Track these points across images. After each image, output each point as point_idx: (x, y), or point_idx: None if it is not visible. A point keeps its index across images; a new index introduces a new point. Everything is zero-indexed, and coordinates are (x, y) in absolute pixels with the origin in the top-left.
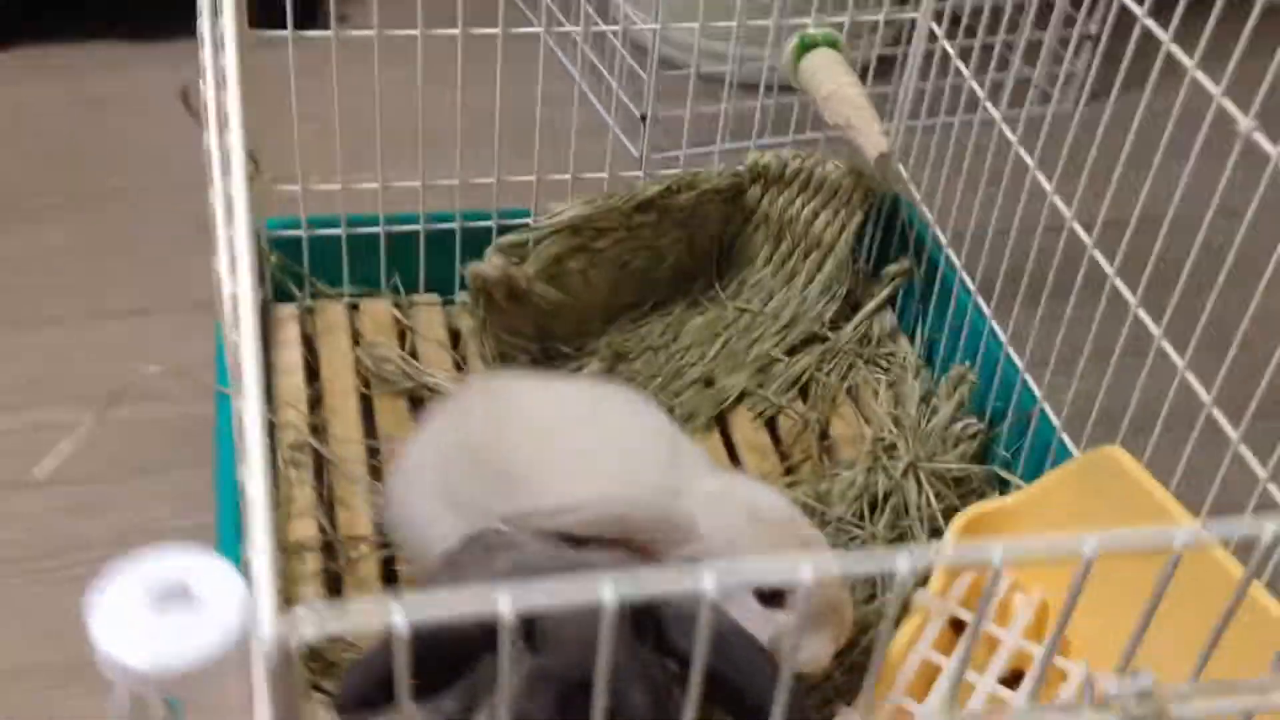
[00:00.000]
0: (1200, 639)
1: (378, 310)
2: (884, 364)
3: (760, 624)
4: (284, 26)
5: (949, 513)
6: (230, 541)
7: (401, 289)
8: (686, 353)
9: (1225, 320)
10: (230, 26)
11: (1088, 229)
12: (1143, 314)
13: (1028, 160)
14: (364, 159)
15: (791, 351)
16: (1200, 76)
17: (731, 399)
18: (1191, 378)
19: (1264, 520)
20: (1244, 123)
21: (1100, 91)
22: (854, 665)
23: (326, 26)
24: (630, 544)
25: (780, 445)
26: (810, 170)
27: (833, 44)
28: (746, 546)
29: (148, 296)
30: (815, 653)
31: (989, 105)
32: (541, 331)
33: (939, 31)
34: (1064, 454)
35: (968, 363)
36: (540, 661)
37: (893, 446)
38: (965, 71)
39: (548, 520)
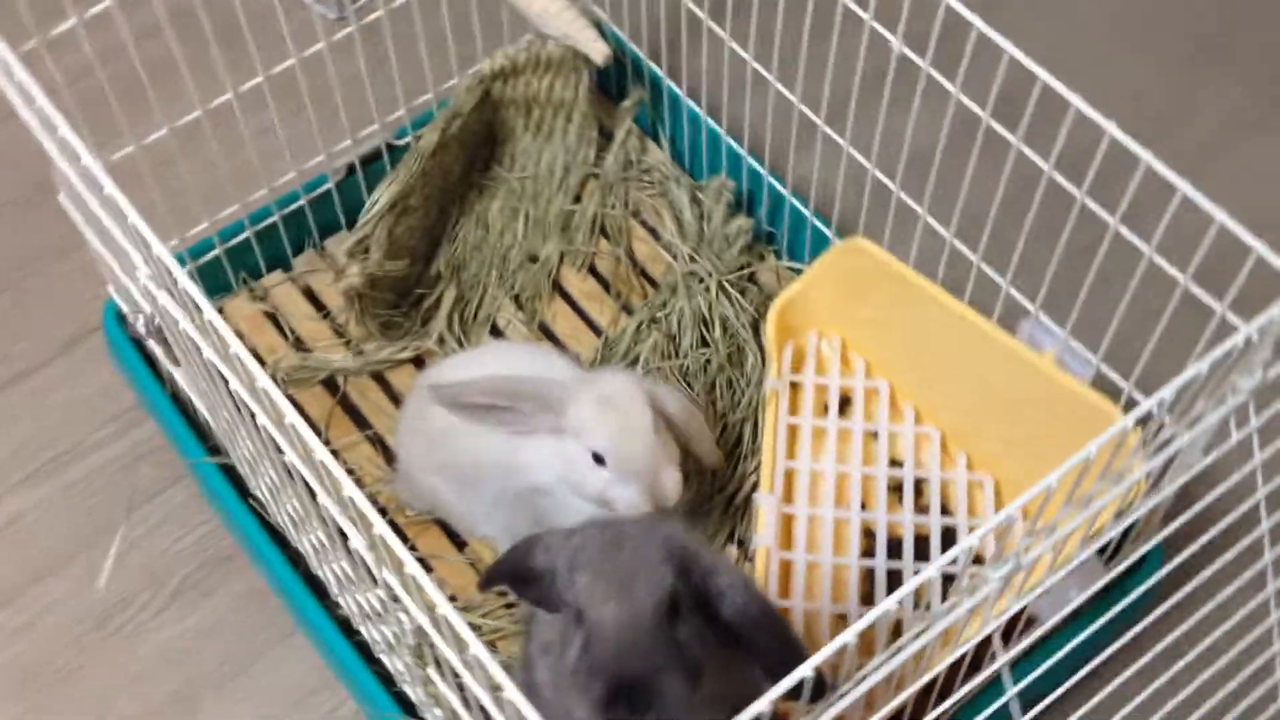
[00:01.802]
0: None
1: (242, 310)
2: (650, 180)
3: (593, 479)
4: None
5: (761, 307)
6: None
7: (249, 282)
8: (501, 238)
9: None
10: None
11: None
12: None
13: None
14: None
15: (577, 199)
16: None
17: (555, 265)
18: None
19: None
20: None
21: None
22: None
23: None
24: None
25: (609, 288)
26: (535, 54)
27: None
28: (595, 421)
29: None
30: (628, 499)
31: None
32: (400, 287)
33: None
34: (818, 234)
35: (721, 172)
36: (588, 656)
37: (693, 263)
38: None
39: (454, 392)
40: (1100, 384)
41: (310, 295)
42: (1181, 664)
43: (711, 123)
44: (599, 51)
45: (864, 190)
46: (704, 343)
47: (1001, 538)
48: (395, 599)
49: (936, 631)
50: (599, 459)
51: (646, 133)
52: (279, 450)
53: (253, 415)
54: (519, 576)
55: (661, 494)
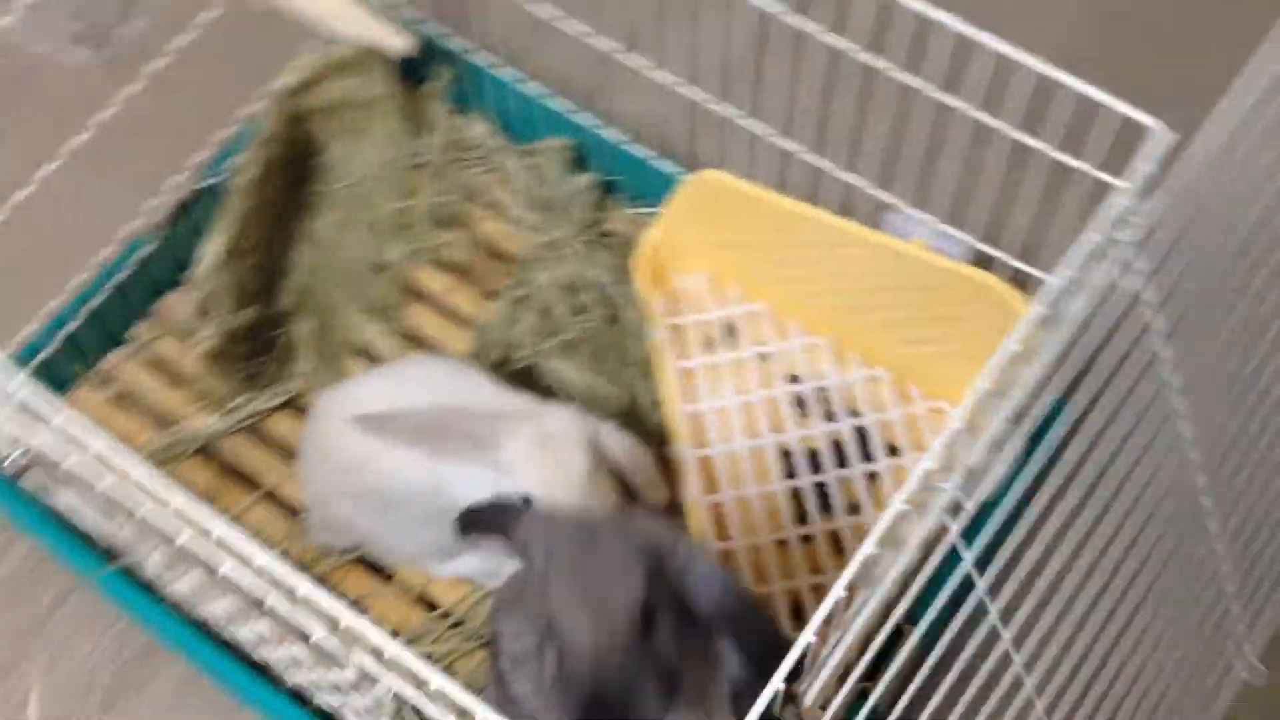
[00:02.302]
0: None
1: (90, 401)
2: (478, 157)
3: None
4: None
5: (624, 260)
6: None
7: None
8: (340, 255)
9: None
10: None
11: None
12: None
13: None
14: None
15: (410, 194)
16: None
17: (405, 267)
18: None
19: None
20: None
21: None
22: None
23: None
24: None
25: (466, 276)
26: (331, 58)
27: None
28: (528, 464)
29: None
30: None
31: None
32: (255, 333)
33: None
34: (662, 175)
35: (551, 135)
36: (563, 672)
37: (545, 231)
38: None
39: (378, 425)
40: (980, 263)
41: (158, 366)
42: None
43: (526, 86)
44: (399, 43)
45: (693, 117)
46: (579, 310)
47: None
48: (368, 678)
49: (899, 567)
50: (528, 502)
51: (464, 111)
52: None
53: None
54: (497, 530)
55: None
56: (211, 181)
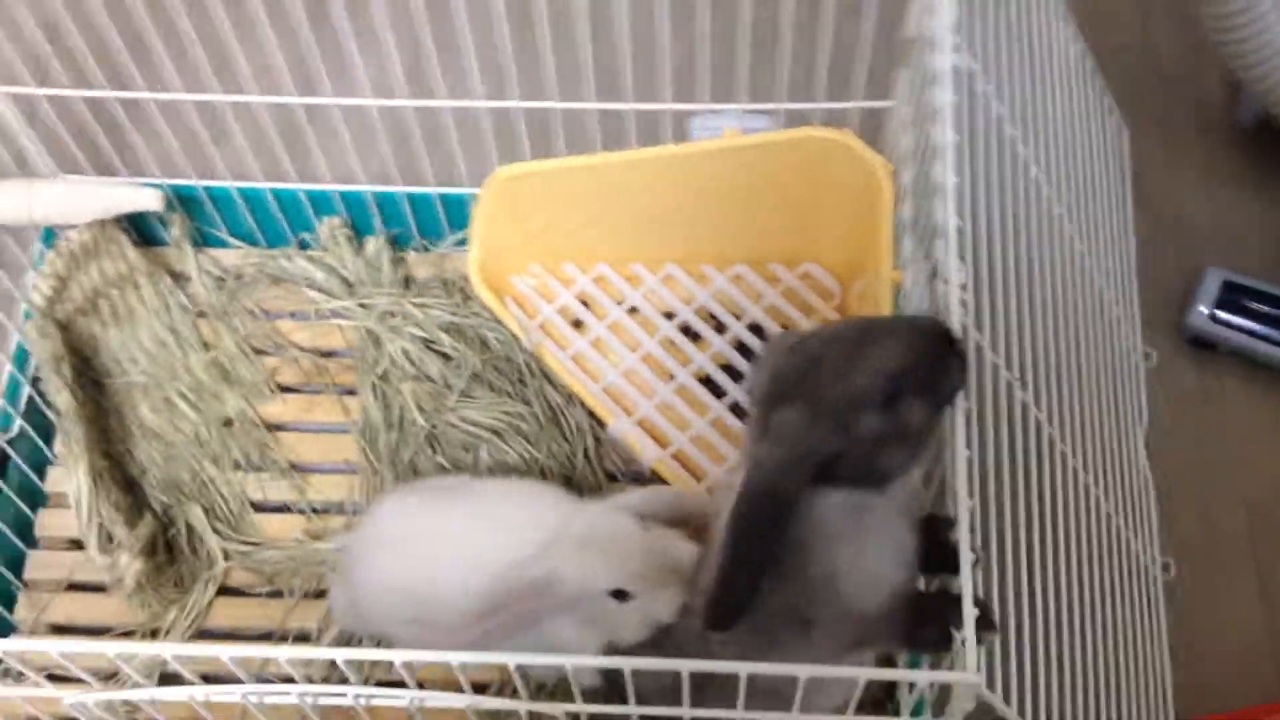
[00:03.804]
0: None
1: None
2: (254, 277)
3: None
4: None
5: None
6: None
7: None
8: (181, 431)
9: None
10: None
11: None
12: None
13: None
14: None
15: (207, 346)
16: None
17: (249, 409)
18: None
19: None
20: None
21: None
22: None
23: None
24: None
25: (314, 390)
26: (68, 252)
27: None
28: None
29: None
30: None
31: None
32: (158, 541)
33: None
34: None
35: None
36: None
37: (369, 308)
38: None
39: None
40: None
41: (60, 629)
42: None
43: (249, 184)
44: (148, 200)
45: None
46: (449, 357)
47: None
48: None
49: None
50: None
51: (212, 244)
52: None
53: None
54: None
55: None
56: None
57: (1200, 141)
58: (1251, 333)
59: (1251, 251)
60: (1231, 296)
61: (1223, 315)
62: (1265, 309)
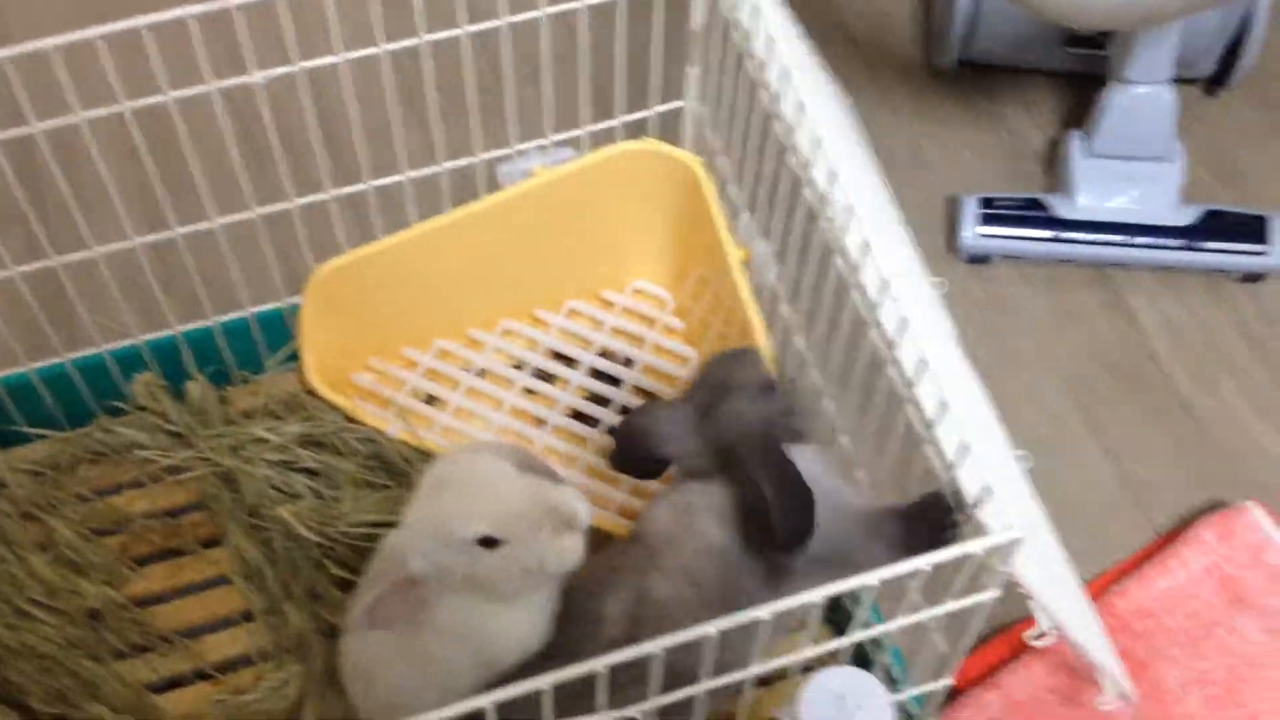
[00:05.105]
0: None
1: None
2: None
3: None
4: None
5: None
6: None
7: None
8: (42, 636)
9: None
10: None
11: None
12: None
13: None
14: None
15: (46, 546)
16: None
17: (117, 596)
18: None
19: None
20: None
21: None
22: None
23: None
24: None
25: (179, 551)
26: None
27: None
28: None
29: None
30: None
31: None
32: None
33: None
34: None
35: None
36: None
37: (217, 448)
38: None
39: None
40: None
41: None
42: None
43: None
44: None
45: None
46: (315, 473)
47: None
48: None
49: None
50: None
51: (15, 443)
52: None
53: None
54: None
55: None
56: None
57: (909, 94)
58: (1014, 237)
59: (986, 172)
60: (988, 212)
61: (986, 230)
62: (1018, 213)
